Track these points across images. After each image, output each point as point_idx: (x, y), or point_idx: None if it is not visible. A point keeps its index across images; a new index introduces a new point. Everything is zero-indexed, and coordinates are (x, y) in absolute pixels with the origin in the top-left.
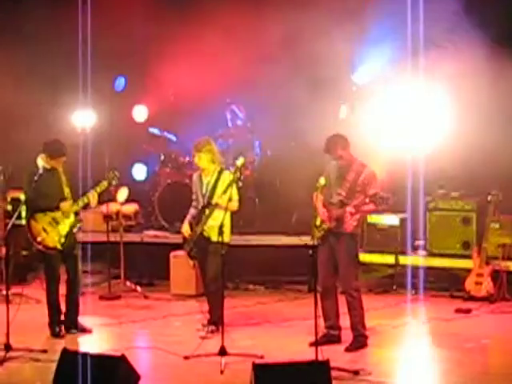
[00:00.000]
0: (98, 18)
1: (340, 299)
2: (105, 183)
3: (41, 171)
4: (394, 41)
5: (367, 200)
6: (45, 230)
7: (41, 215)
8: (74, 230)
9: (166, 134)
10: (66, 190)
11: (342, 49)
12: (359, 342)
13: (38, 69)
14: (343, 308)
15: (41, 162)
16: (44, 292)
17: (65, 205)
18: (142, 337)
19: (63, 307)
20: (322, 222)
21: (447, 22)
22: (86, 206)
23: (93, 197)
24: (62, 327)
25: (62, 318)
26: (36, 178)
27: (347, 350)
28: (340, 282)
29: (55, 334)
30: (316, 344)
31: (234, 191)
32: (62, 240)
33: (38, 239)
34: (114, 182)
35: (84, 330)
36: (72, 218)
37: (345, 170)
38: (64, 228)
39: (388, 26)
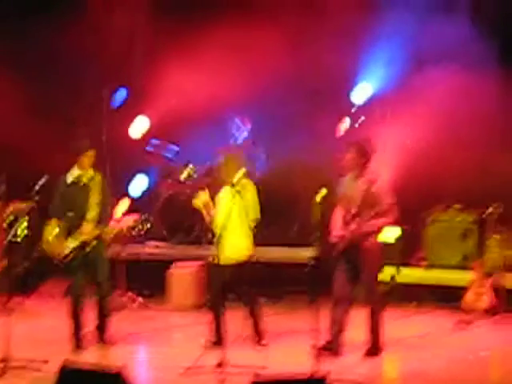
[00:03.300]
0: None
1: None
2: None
3: (68, 182)
4: (392, 60)
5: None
6: (53, 238)
7: (56, 223)
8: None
9: (164, 147)
10: (94, 203)
11: (342, 64)
12: (375, 348)
13: (39, 89)
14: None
15: (71, 174)
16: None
17: (86, 228)
18: (142, 350)
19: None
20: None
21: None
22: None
23: (112, 231)
24: (81, 340)
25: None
26: (63, 188)
27: (367, 354)
28: (364, 292)
29: (74, 347)
30: (318, 349)
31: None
32: (66, 252)
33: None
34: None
35: (107, 342)
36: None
37: (358, 183)
38: (73, 242)
39: (387, 45)
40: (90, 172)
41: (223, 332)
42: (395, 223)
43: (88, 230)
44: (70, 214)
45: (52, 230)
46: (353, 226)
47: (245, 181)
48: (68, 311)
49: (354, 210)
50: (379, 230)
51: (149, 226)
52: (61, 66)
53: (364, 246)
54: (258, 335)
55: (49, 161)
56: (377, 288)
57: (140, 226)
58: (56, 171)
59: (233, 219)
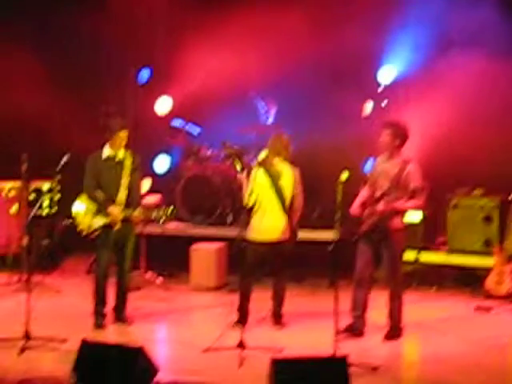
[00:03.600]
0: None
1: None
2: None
3: (103, 158)
4: (419, 40)
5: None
6: (83, 213)
7: (86, 198)
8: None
9: (188, 127)
10: (125, 184)
11: (368, 45)
12: (395, 331)
13: (62, 68)
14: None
15: (104, 152)
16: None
17: (113, 210)
18: (161, 329)
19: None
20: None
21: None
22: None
23: (139, 213)
24: (104, 318)
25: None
26: (96, 164)
27: (386, 338)
28: (386, 275)
29: (96, 325)
30: (340, 332)
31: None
32: (90, 230)
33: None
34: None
35: (126, 321)
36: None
37: (390, 165)
38: (101, 220)
39: (414, 24)
40: (122, 152)
41: (248, 311)
42: (423, 207)
43: (115, 212)
44: (101, 192)
45: (82, 205)
46: (380, 206)
47: (282, 163)
48: (92, 288)
49: (383, 190)
50: (405, 212)
51: (169, 214)
52: (86, 47)
53: (390, 228)
54: (278, 317)
55: (72, 139)
56: (399, 271)
57: (160, 213)
58: (79, 149)
59: (269, 199)
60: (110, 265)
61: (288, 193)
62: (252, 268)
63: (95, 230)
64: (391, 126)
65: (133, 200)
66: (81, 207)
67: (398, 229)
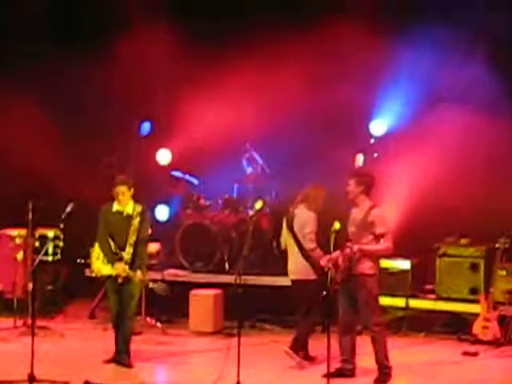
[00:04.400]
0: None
1: (359, 340)
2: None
3: (113, 210)
4: (409, 95)
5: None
6: (96, 260)
7: (98, 248)
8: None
9: (187, 177)
10: (131, 242)
11: (360, 99)
12: (384, 374)
13: (68, 121)
14: (360, 349)
15: (115, 203)
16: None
17: (118, 267)
18: (160, 372)
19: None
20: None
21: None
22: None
23: (141, 276)
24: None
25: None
26: (107, 216)
27: (375, 381)
28: (361, 320)
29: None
30: (328, 376)
31: None
32: (99, 274)
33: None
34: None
35: (127, 365)
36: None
37: (356, 211)
38: (109, 270)
39: (405, 81)
40: (131, 206)
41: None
42: (390, 250)
43: (120, 269)
44: (111, 242)
45: (95, 253)
46: (346, 250)
47: (297, 210)
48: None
49: (350, 236)
50: (375, 256)
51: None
52: (91, 102)
53: (361, 273)
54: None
55: (77, 189)
56: (374, 316)
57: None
58: (83, 199)
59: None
60: (116, 308)
61: (299, 235)
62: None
63: (102, 276)
64: (353, 175)
65: (137, 260)
66: (94, 256)
67: (368, 274)
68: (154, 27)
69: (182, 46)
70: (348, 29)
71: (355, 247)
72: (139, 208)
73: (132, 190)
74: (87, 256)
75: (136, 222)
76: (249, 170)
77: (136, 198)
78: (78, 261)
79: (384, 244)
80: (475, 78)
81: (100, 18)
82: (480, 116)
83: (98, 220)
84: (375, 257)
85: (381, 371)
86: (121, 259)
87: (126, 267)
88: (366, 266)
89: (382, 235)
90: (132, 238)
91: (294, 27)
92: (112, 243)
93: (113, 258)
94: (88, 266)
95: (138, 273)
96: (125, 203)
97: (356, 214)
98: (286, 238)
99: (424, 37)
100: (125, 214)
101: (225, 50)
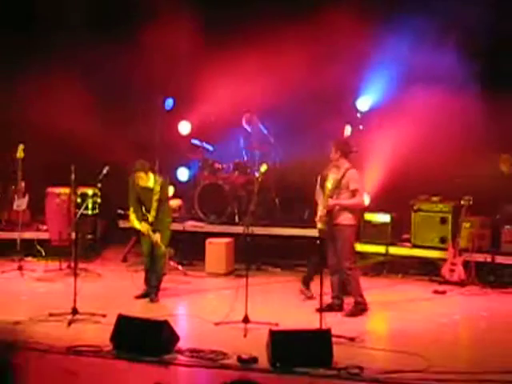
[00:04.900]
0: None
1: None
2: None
3: (139, 184)
4: (391, 76)
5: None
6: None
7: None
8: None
9: (204, 144)
10: (154, 207)
11: (349, 79)
12: (356, 308)
13: (104, 96)
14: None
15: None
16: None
17: (144, 227)
18: (182, 306)
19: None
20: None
21: (445, 56)
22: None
23: (159, 239)
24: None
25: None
26: (136, 188)
27: (346, 315)
28: (336, 262)
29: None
30: (320, 310)
31: None
32: (133, 226)
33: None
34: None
35: (155, 300)
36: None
37: (336, 172)
38: (138, 225)
39: (387, 63)
40: (152, 181)
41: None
42: (362, 204)
43: (145, 228)
44: (140, 208)
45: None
46: (327, 203)
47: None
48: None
49: (328, 192)
50: (351, 208)
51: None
52: (123, 79)
53: (338, 223)
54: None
55: (111, 154)
56: (348, 260)
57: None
58: (116, 162)
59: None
60: (150, 253)
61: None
62: None
63: (135, 228)
64: (332, 143)
65: (158, 223)
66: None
67: (346, 224)
68: (176, 16)
69: (199, 32)
70: (339, 17)
71: (331, 201)
72: (159, 179)
73: (149, 172)
74: (125, 208)
75: (157, 190)
76: (251, 130)
77: (160, 166)
78: (118, 212)
79: (356, 199)
80: (447, 61)
81: (130, 7)
82: (451, 94)
83: (129, 188)
84: (356, 210)
85: (355, 306)
86: (147, 219)
87: (150, 228)
88: (344, 217)
89: (354, 191)
90: (155, 204)
91: (292, 16)
92: (141, 207)
93: (141, 218)
94: (123, 217)
95: (157, 235)
96: (146, 181)
97: (336, 174)
98: (318, 194)
99: (405, 24)
100: (148, 187)
101: (234, 36)
